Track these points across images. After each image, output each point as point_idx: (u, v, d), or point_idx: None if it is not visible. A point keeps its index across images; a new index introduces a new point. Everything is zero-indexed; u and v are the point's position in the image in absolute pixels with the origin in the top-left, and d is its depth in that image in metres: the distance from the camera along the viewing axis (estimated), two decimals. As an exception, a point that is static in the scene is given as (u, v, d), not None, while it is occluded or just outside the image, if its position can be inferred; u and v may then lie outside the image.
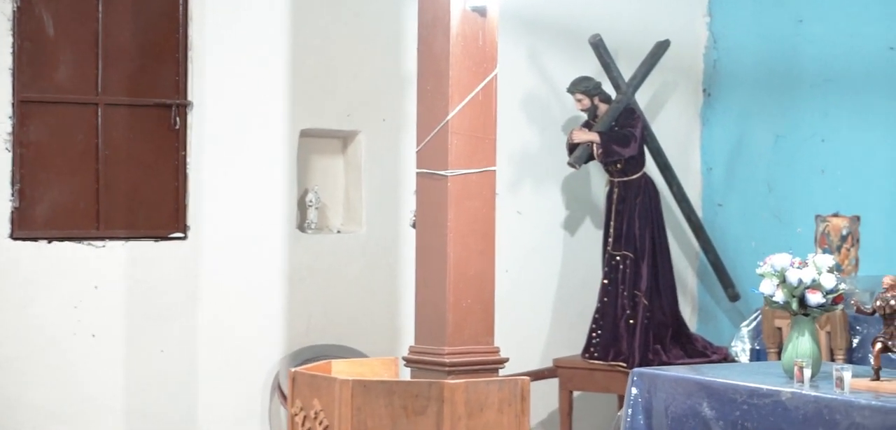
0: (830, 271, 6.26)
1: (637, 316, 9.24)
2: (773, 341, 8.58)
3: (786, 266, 6.23)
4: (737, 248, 10.19)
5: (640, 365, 8.81)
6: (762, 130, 10.15)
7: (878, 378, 6.06)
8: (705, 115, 10.53)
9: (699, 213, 10.24)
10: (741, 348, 9.01)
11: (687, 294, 10.36)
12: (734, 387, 6.22)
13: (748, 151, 10.26)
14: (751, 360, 8.87)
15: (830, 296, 6.26)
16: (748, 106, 10.26)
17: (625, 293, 9.30)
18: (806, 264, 6.25)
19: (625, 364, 9.11)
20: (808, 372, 6.12)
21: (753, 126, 10.21)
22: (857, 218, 9.21)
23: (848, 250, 8.67)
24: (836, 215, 9.17)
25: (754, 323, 9.00)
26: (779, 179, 10.04)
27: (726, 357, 9.16)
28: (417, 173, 7.29)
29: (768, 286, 6.26)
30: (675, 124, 10.31)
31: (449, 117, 7.06)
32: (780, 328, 8.57)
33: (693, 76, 10.50)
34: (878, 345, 6.05)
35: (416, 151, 7.30)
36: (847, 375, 5.98)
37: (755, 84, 10.20)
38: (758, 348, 8.88)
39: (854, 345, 8.25)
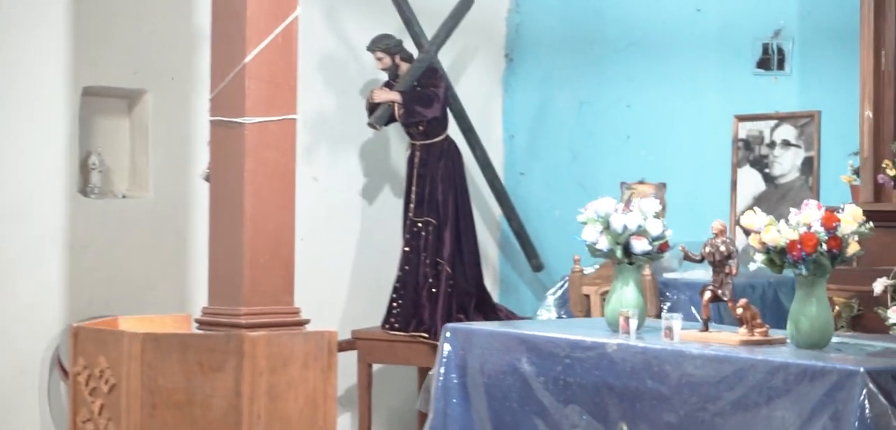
0: (657, 216, 5.84)
1: (440, 285, 8.80)
2: (580, 309, 8.22)
3: (610, 212, 5.78)
4: (540, 217, 9.83)
5: (443, 336, 8.39)
6: (566, 96, 9.81)
7: (707, 329, 5.65)
8: (507, 81, 10.14)
9: (502, 181, 9.82)
10: (547, 317, 8.64)
11: (490, 264, 9.94)
12: (555, 341, 5.76)
13: (551, 118, 9.90)
14: None
15: (657, 243, 5.83)
16: (551, 71, 9.91)
17: (427, 262, 8.85)
18: (631, 210, 5.81)
19: (427, 335, 8.69)
20: (634, 323, 5.69)
21: (557, 92, 9.86)
22: (663, 185, 8.94)
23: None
24: (641, 183, 8.86)
25: (560, 291, 8.66)
26: (583, 147, 9.72)
27: None
28: (211, 122, 6.67)
29: (591, 233, 5.80)
30: (476, 90, 9.89)
31: (246, 61, 6.46)
32: (587, 295, 8.22)
33: (495, 40, 10.11)
34: (708, 294, 5.64)
35: (210, 98, 6.67)
36: (676, 324, 5.56)
37: (559, 49, 9.86)
38: (564, 316, 8.53)
39: (663, 312, 7.95)
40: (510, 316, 9.09)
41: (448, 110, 9.08)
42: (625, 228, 5.75)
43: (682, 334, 5.57)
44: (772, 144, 8.79)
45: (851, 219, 5.25)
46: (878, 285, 7.26)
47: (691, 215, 8.83)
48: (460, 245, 8.94)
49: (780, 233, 5.25)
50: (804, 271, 5.26)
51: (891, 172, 7.36)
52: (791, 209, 5.38)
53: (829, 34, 8.51)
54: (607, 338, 5.64)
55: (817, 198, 8.53)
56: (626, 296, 5.83)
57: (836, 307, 7.42)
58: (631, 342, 5.55)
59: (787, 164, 8.73)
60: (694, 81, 9.15)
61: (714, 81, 9.05)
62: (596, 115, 9.65)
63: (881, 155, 7.50)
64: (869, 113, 7.53)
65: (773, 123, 8.79)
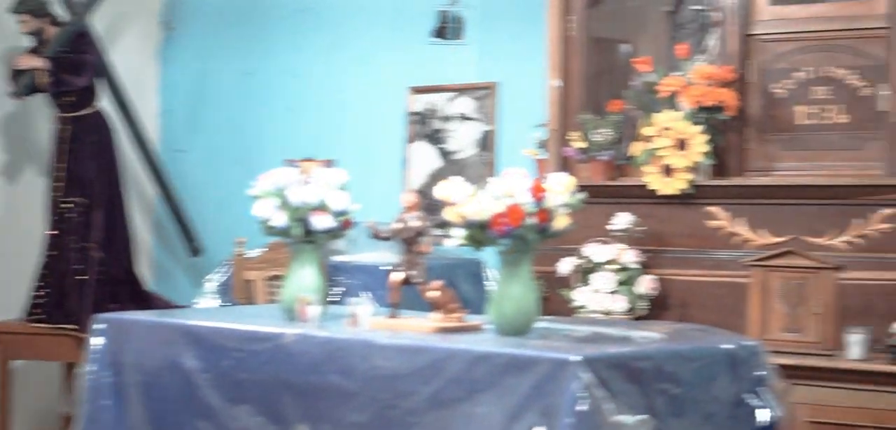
0: (341, 189, 5.08)
1: (89, 271, 7.89)
2: (243, 296, 7.45)
3: (288, 184, 5.00)
4: (200, 198, 9.01)
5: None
6: (228, 67, 9.03)
7: (396, 315, 4.94)
8: (165, 52, 9.25)
9: (158, 158, 8.95)
10: (208, 305, 7.85)
11: (143, 249, 9.03)
12: (224, 332, 4.94)
13: (213, 91, 9.11)
14: None
15: (341, 218, 5.07)
16: (213, 40, 9.10)
17: (75, 246, 7.94)
18: (311, 182, 5.04)
19: (75, 327, 7.78)
20: (315, 310, 4.92)
21: (219, 62, 9.06)
22: (331, 162, 8.25)
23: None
24: (308, 160, 8.13)
25: (222, 277, 7.88)
26: (246, 122, 8.96)
27: None
28: None
29: (265, 208, 5.01)
30: (132, 60, 8.96)
31: None
32: (251, 281, 7.45)
33: (152, 6, 9.20)
34: (398, 276, 4.92)
35: None
36: (363, 311, 4.83)
37: (220, 17, 9.07)
38: (227, 304, 7.75)
39: (335, 298, 7.27)
40: (166, 305, 8.27)
41: (100, 80, 8.16)
42: (304, 202, 4.98)
43: (370, 322, 4.84)
44: (448, 118, 8.20)
45: (561, 188, 4.63)
46: (565, 266, 6.73)
47: (363, 195, 8.14)
48: (112, 228, 8.10)
49: (482, 205, 4.59)
50: (509, 248, 4.60)
51: (578, 144, 6.82)
52: (490, 179, 4.71)
53: (509, 1, 7.96)
54: (284, 328, 4.86)
55: (495, 174, 7.96)
56: (305, 279, 5.06)
57: (523, 289, 6.84)
58: (312, 332, 4.79)
59: (464, 138, 8.15)
60: (366, 50, 8.50)
61: (387, 51, 8.41)
62: (260, 86, 8.92)
63: (569, 126, 6.96)
64: (557, 82, 6.98)
65: (449, 95, 8.20)
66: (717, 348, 4.61)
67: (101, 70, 8.21)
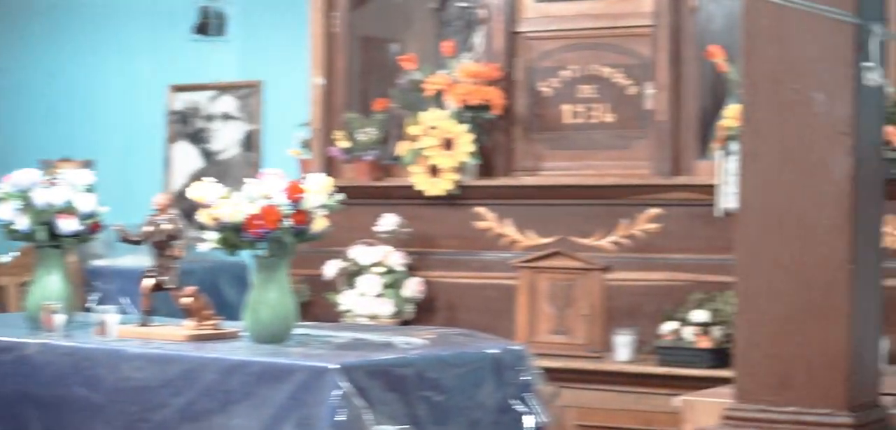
0: (88, 190, 4.79)
1: None
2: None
3: (32, 185, 4.69)
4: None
5: None
6: (-20, 63, 8.59)
7: (147, 323, 4.67)
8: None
9: None
10: None
11: None
12: (-39, 344, 4.62)
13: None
14: None
15: (88, 221, 4.78)
16: (-38, 36, 8.66)
17: None
18: (57, 183, 4.74)
19: None
20: (60, 318, 4.62)
21: (-30, 60, 8.63)
22: (90, 163, 7.93)
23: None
24: (65, 161, 7.79)
25: None
26: (0, 122, 8.53)
27: None
28: None
29: (7, 211, 4.68)
30: None
31: None
32: (3, 287, 7.07)
33: None
34: (149, 281, 4.65)
35: None
36: (111, 319, 4.55)
37: (-29, 11, 8.63)
38: None
39: (91, 304, 6.95)
40: None
41: None
42: (49, 204, 4.68)
43: (119, 331, 4.56)
44: (210, 117, 7.93)
45: (318, 189, 4.42)
46: (330, 269, 6.53)
47: (122, 198, 7.83)
48: None
49: (236, 206, 4.35)
50: (265, 252, 4.38)
51: (342, 144, 6.63)
52: (247, 180, 4.49)
53: (273, -2, 7.76)
54: (28, 337, 4.56)
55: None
56: (50, 286, 4.75)
57: (287, 293, 6.62)
58: (56, 342, 4.49)
59: (227, 138, 7.89)
60: (125, 46, 8.20)
61: (147, 48, 8.12)
62: (14, 85, 8.54)
63: (333, 125, 6.76)
64: (320, 80, 6.77)
65: (211, 93, 7.93)
66: (481, 353, 4.47)
67: None
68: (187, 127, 7.99)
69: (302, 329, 4.66)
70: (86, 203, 4.76)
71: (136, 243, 4.71)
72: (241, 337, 4.56)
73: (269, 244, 4.36)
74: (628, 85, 6.27)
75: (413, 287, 6.40)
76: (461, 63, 6.46)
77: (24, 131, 8.44)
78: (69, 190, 4.74)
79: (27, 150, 8.28)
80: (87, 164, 7.90)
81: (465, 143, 6.35)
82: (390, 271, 6.41)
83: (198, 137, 7.96)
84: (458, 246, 6.46)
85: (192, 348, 4.37)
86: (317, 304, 6.58)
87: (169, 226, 4.67)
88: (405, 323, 6.40)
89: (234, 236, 4.38)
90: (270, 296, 4.41)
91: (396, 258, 6.42)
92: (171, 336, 4.52)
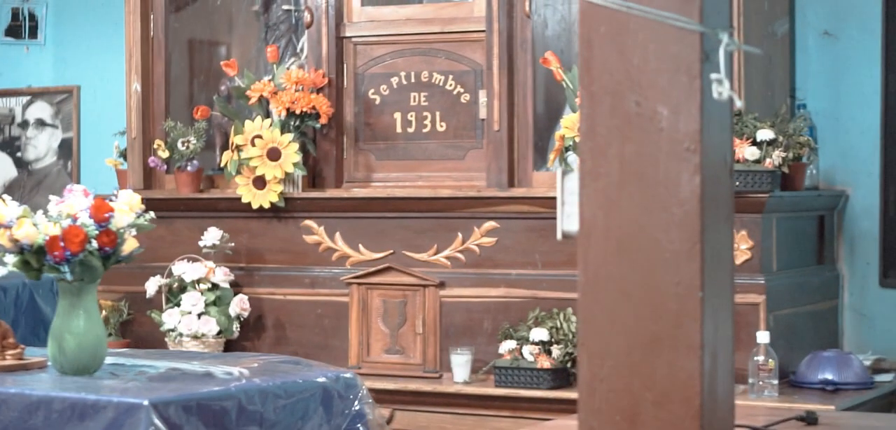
0: None
1: None
2: None
3: None
4: None
5: None
6: None
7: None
8: None
9: None
10: None
11: None
12: None
13: None
14: None
15: None
16: None
17: None
18: None
19: None
20: None
21: None
22: None
23: None
24: None
25: None
26: None
27: None
28: None
29: None
30: None
31: None
32: None
33: None
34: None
35: None
36: None
37: None
38: None
39: None
40: None
41: None
42: None
43: None
44: (24, 124, 7.49)
45: (126, 208, 4.09)
46: (152, 285, 6.17)
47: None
48: None
49: (36, 227, 4.00)
50: (69, 276, 4.03)
51: (162, 154, 6.27)
52: (51, 198, 4.13)
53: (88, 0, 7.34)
54: None
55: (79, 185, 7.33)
56: None
57: (103, 312, 6.25)
58: None
59: (42, 146, 7.46)
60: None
61: (-45, 52, 7.63)
62: None
63: (152, 134, 6.40)
64: (136, 86, 6.41)
65: (25, 99, 7.49)
66: (309, 382, 4.18)
67: None
68: (0, 135, 7.55)
69: (113, 358, 4.32)
70: None
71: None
72: (48, 368, 4.20)
73: (73, 268, 4.02)
74: (462, 92, 6.01)
75: (238, 305, 6.07)
76: (286, 69, 6.15)
77: None
78: None
79: None
80: None
81: (292, 153, 6.04)
82: (214, 288, 6.08)
83: (11, 146, 7.53)
84: (286, 261, 6.14)
85: (-9, 382, 4.02)
86: (138, 322, 6.23)
87: None
88: (230, 343, 6.08)
89: (35, 259, 4.03)
90: (77, 324, 4.07)
91: (221, 274, 6.09)
92: (-34, 369, 4.15)
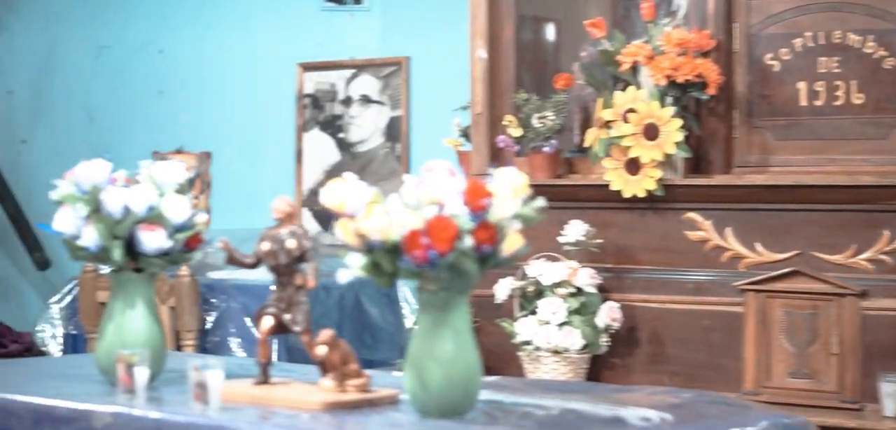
0: (181, 191, 3.33)
1: None
2: (94, 322, 5.74)
3: (102, 183, 3.25)
4: (46, 198, 7.22)
5: None
6: (80, 39, 7.24)
7: (266, 380, 3.22)
8: (2, 19, 7.47)
9: (-6, 150, 7.28)
10: (51, 333, 6.25)
11: (-25, 261, 7.34)
12: (13, 406, 3.21)
13: (62, 68, 7.35)
14: (66, 351, 6.28)
15: (181, 236, 3.31)
16: (61, 7, 7.32)
17: None
18: (138, 181, 3.30)
19: None
20: (142, 374, 3.17)
21: (68, 33, 7.28)
22: (208, 155, 6.61)
23: (196, 197, 6.01)
24: (180, 152, 6.50)
25: (69, 298, 6.27)
26: (103, 105, 7.21)
27: (31, 347, 6.43)
28: None
29: (68, 219, 3.25)
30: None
31: None
32: (104, 304, 5.72)
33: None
34: (268, 321, 3.20)
35: None
36: (214, 379, 3.08)
37: (68, -23, 7.36)
38: (74, 332, 6.15)
39: (208, 325, 5.68)
40: (4, 332, 6.60)
41: None
42: (127, 210, 3.23)
43: (224, 394, 3.09)
44: (347, 101, 6.50)
45: (509, 192, 2.94)
46: (502, 289, 5.03)
47: (244, 196, 6.55)
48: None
49: (391, 218, 2.88)
50: (433, 285, 2.90)
51: (514, 132, 5.15)
52: (405, 178, 3.01)
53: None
54: (96, 401, 3.13)
55: (408, 170, 6.29)
56: (130, 327, 3.30)
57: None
58: (136, 410, 3.05)
59: (367, 126, 6.46)
60: (245, 19, 6.81)
61: (271, 19, 6.72)
62: (120, 64, 7.15)
63: (500, 109, 5.29)
64: (482, 52, 5.30)
65: (348, 72, 6.50)
66: (751, 430, 2.95)
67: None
68: (320, 112, 6.58)
69: (486, 391, 3.16)
70: (178, 210, 3.30)
71: (250, 265, 3.25)
72: (402, 404, 3.10)
73: (439, 273, 2.88)
74: (884, 57, 4.71)
75: (608, 314, 4.90)
76: (665, 29, 4.95)
77: (132, 117, 7.13)
78: (154, 191, 3.29)
79: (136, 138, 7.01)
80: (204, 157, 6.56)
81: (673, 130, 4.83)
82: (578, 293, 4.92)
83: (332, 125, 6.55)
84: (664, 262, 4.93)
85: (332, 424, 2.92)
86: (485, 332, 5.10)
87: (293, 243, 3.20)
88: (596, 360, 4.93)
89: (387, 260, 2.91)
90: (443, 348, 2.93)
91: (586, 277, 4.92)
92: (300, 404, 3.07)
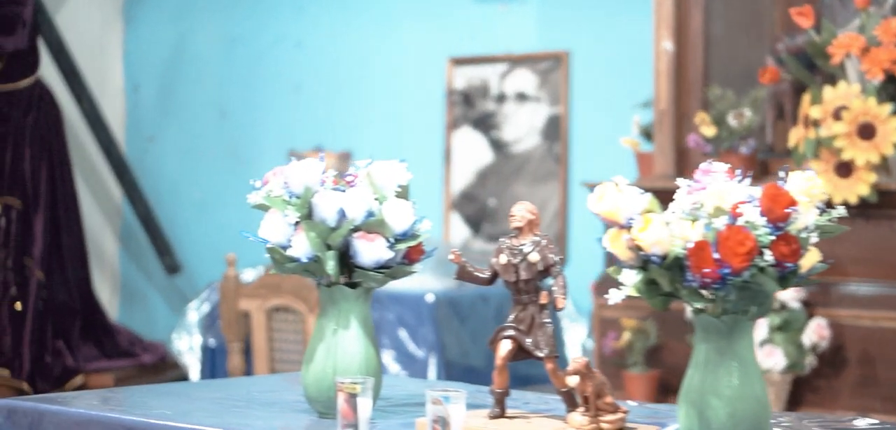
0: (402, 195, 2.89)
1: (28, 297, 5.78)
2: (236, 334, 5.34)
3: (314, 185, 2.82)
4: (176, 199, 6.95)
5: (34, 372, 5.65)
6: (211, 32, 6.88)
7: (502, 413, 2.77)
8: (130, 10, 7.10)
9: (123, 148, 6.87)
10: (188, 344, 6.00)
11: (105, 265, 6.94)
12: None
13: (192, 62, 6.98)
14: (203, 363, 5.86)
15: (402, 246, 2.86)
16: (190, -2, 7.00)
17: (9, 263, 5.86)
18: (354, 183, 2.86)
19: (8, 372, 5.65)
20: (365, 404, 2.72)
21: (199, 25, 6.92)
22: (348, 155, 6.25)
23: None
24: (317, 151, 6.16)
25: (207, 306, 5.92)
26: (236, 102, 6.81)
27: (164, 358, 6.15)
28: None
29: (276, 228, 2.81)
30: (86, 19, 6.86)
31: None
32: (248, 313, 5.33)
33: (114, -47, 7.16)
34: (506, 345, 2.75)
35: None
36: (456, 413, 2.62)
37: (202, -33, 6.99)
38: (213, 345, 5.85)
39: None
40: (135, 342, 6.31)
41: (40, 43, 6.06)
42: (343, 216, 2.80)
43: (466, 428, 2.64)
44: (501, 98, 6.07)
45: (808, 198, 2.48)
46: (691, 301, 4.56)
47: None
48: (59, 239, 6.04)
49: (672, 229, 2.43)
50: (719, 306, 2.44)
51: (707, 131, 4.68)
52: (682, 182, 2.54)
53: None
54: (311, 435, 2.70)
55: (567, 171, 5.86)
56: (345, 349, 2.86)
57: (627, 335, 4.72)
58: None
59: (522, 124, 6.03)
60: (389, 9, 6.40)
61: (418, 10, 6.31)
62: (253, 57, 6.76)
63: (686, 106, 4.82)
64: (667, 44, 4.84)
65: (502, 67, 6.07)
66: None
67: (42, 30, 6.14)
68: (471, 110, 6.15)
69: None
70: (400, 217, 2.86)
71: (484, 281, 2.80)
72: (664, 443, 2.64)
73: (729, 294, 2.42)
74: None
75: (816, 332, 4.42)
76: (880, 19, 4.47)
77: (265, 114, 6.74)
78: (372, 195, 2.85)
79: (269, 137, 6.63)
80: (344, 157, 6.17)
81: (891, 130, 4.34)
82: (782, 308, 4.45)
83: (485, 123, 6.11)
84: (877, 274, 4.46)
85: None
86: (670, 349, 4.67)
87: (536, 257, 2.75)
88: (800, 381, 4.45)
89: (666, 278, 2.45)
90: (729, 382, 2.47)
91: (790, 291, 4.45)
92: (550, 442, 2.62)
